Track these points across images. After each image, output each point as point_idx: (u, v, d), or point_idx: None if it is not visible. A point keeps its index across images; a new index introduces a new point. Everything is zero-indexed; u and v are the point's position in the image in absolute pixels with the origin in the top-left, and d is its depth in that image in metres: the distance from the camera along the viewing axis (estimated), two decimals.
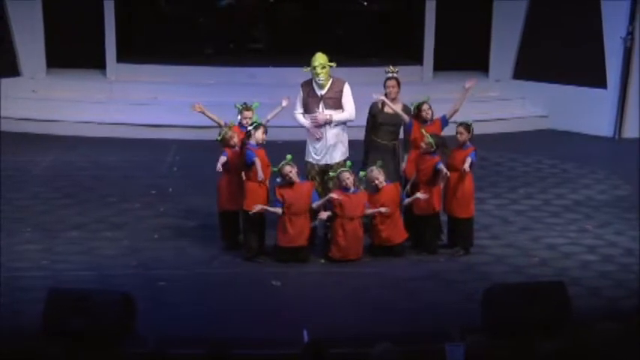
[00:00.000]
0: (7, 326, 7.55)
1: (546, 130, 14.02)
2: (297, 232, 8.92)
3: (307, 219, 8.98)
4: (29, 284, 8.46)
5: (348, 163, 9.21)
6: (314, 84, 9.29)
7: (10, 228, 9.79)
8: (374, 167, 9.10)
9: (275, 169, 8.95)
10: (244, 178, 9.05)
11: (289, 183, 8.92)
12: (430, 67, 14.51)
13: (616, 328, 6.70)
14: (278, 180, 9.00)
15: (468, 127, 9.22)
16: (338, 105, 9.29)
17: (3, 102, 13.61)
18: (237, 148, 9.09)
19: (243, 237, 9.18)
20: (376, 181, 9.04)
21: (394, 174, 9.53)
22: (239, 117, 9.35)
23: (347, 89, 9.32)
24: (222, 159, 9.02)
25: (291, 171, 8.92)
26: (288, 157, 8.99)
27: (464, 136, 9.18)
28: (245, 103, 9.44)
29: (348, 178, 8.97)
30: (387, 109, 9.54)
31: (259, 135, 8.91)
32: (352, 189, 8.98)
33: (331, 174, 9.17)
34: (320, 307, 8.26)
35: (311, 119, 9.25)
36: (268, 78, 13.92)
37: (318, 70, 9.19)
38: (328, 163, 9.34)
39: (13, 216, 10.16)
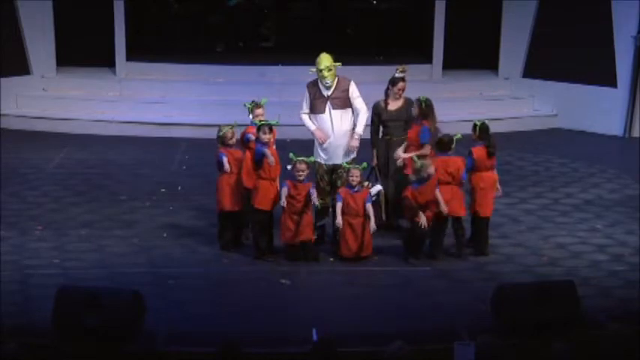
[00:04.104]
0: (19, 323, 7.58)
1: (556, 129, 13.99)
2: (300, 227, 8.88)
3: (308, 214, 8.94)
4: (40, 282, 8.49)
5: (364, 164, 9.21)
6: (320, 84, 9.28)
7: (22, 226, 9.83)
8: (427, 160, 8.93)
9: (293, 158, 8.84)
10: (250, 176, 9.05)
11: (298, 181, 8.91)
12: (440, 65, 14.47)
13: (627, 330, 6.69)
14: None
15: (474, 126, 9.20)
16: (345, 104, 9.29)
17: (14, 100, 13.68)
18: (236, 148, 9.11)
19: (252, 236, 9.18)
20: (425, 173, 8.84)
21: (402, 170, 9.59)
22: (250, 116, 9.35)
23: (353, 87, 9.31)
24: (225, 160, 9.02)
25: (304, 170, 8.90)
26: (291, 154, 8.94)
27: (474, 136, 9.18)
28: (254, 101, 9.43)
29: (356, 176, 8.97)
30: (390, 107, 9.57)
31: (262, 135, 8.91)
32: (357, 187, 8.98)
33: (345, 166, 9.12)
34: (329, 305, 8.26)
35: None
36: (278, 76, 13.94)
37: (325, 72, 9.18)
38: (336, 162, 9.33)
39: (25, 214, 10.20)
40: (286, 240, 9.00)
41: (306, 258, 9.01)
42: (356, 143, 9.27)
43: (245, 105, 9.41)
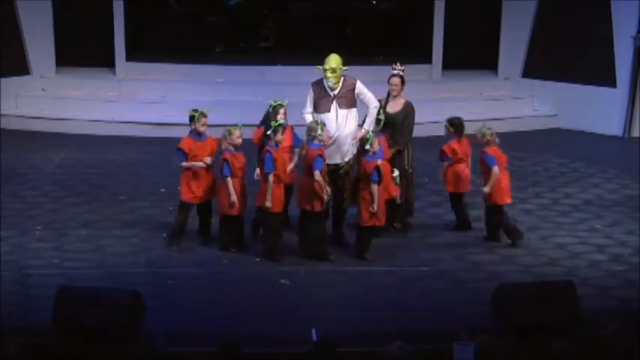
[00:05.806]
0: (19, 323, 7.58)
1: (555, 129, 14.00)
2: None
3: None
4: (40, 282, 8.50)
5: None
6: (325, 84, 9.28)
7: (22, 226, 9.84)
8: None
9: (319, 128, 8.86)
10: (259, 178, 9.07)
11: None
12: (439, 65, 14.49)
13: (627, 330, 6.69)
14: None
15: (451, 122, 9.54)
16: (351, 104, 9.27)
17: (13, 100, 13.68)
18: (239, 151, 9.13)
19: (262, 236, 9.15)
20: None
21: (404, 170, 9.62)
22: (193, 125, 9.27)
23: (360, 85, 9.27)
24: (226, 168, 9.01)
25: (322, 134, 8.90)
26: (319, 124, 8.91)
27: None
28: (196, 110, 9.37)
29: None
30: (388, 109, 9.57)
31: (279, 137, 8.91)
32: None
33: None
34: (329, 305, 8.27)
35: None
36: (277, 76, 13.95)
37: (329, 73, 9.16)
38: (339, 162, 9.33)
39: (25, 214, 10.21)
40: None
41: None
42: (360, 134, 9.15)
43: (189, 112, 9.44)
